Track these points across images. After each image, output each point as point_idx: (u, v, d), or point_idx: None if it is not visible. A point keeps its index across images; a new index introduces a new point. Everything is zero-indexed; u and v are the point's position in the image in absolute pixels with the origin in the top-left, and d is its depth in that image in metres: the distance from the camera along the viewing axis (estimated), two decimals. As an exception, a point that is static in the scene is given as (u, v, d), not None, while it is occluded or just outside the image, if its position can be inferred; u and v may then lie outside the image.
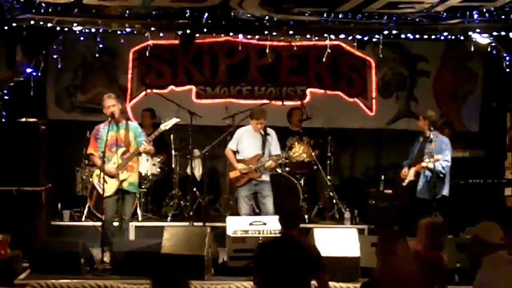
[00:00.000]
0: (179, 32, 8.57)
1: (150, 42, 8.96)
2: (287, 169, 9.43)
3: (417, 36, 8.78)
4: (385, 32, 8.55)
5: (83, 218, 9.11)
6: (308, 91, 10.58)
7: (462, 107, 10.68)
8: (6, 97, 8.59)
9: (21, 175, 8.13)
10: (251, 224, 7.47)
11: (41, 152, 8.37)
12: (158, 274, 3.91)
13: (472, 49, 8.87)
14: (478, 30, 8.36)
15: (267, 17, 8.31)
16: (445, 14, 8.14)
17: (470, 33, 8.45)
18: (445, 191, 8.23)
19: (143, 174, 9.17)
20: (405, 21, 8.40)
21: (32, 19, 8.01)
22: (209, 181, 9.71)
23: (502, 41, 8.48)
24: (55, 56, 9.26)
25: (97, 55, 9.79)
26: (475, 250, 4.55)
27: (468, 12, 8.07)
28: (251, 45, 9.75)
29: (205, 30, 8.54)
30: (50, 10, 7.96)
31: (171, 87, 10.43)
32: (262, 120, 8.42)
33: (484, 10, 8.00)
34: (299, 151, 9.14)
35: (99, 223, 7.99)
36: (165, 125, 7.90)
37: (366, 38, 8.88)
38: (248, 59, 10.43)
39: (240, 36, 9.03)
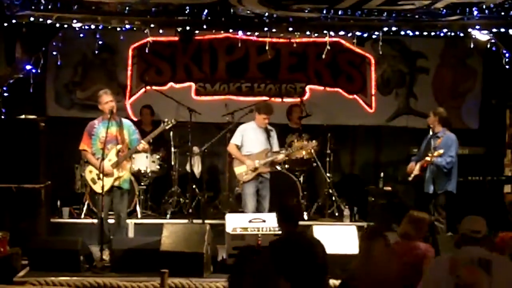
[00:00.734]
0: (179, 29, 8.57)
1: (150, 39, 8.94)
2: (286, 166, 9.41)
3: (417, 32, 8.78)
4: (385, 29, 8.54)
5: (82, 215, 9.11)
6: (307, 88, 10.57)
7: (462, 104, 10.65)
8: (5, 94, 8.56)
9: (20, 172, 8.13)
10: (250, 221, 7.49)
11: (41, 149, 8.38)
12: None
13: (472, 46, 8.85)
14: (477, 27, 8.35)
15: (266, 14, 8.29)
16: (444, 10, 8.13)
17: (469, 29, 8.45)
18: (450, 187, 8.24)
19: (142, 171, 9.16)
20: (404, 18, 8.40)
21: (31, 16, 8.00)
22: (208, 178, 9.74)
23: (502, 38, 8.47)
24: (54, 53, 9.25)
25: (96, 52, 9.76)
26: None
27: (467, 9, 8.05)
28: (251, 42, 9.72)
29: (204, 26, 8.56)
30: (49, 6, 7.95)
31: (171, 84, 10.41)
32: (269, 115, 8.44)
33: (484, 6, 7.99)
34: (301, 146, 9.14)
35: (95, 220, 8.00)
36: (165, 126, 7.89)
37: (365, 35, 8.90)
38: (247, 56, 10.42)
39: (240, 33, 9.01)
